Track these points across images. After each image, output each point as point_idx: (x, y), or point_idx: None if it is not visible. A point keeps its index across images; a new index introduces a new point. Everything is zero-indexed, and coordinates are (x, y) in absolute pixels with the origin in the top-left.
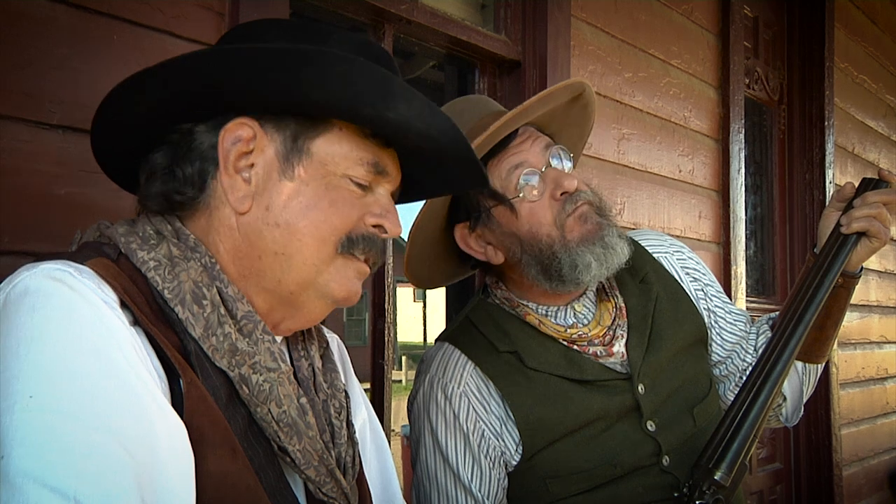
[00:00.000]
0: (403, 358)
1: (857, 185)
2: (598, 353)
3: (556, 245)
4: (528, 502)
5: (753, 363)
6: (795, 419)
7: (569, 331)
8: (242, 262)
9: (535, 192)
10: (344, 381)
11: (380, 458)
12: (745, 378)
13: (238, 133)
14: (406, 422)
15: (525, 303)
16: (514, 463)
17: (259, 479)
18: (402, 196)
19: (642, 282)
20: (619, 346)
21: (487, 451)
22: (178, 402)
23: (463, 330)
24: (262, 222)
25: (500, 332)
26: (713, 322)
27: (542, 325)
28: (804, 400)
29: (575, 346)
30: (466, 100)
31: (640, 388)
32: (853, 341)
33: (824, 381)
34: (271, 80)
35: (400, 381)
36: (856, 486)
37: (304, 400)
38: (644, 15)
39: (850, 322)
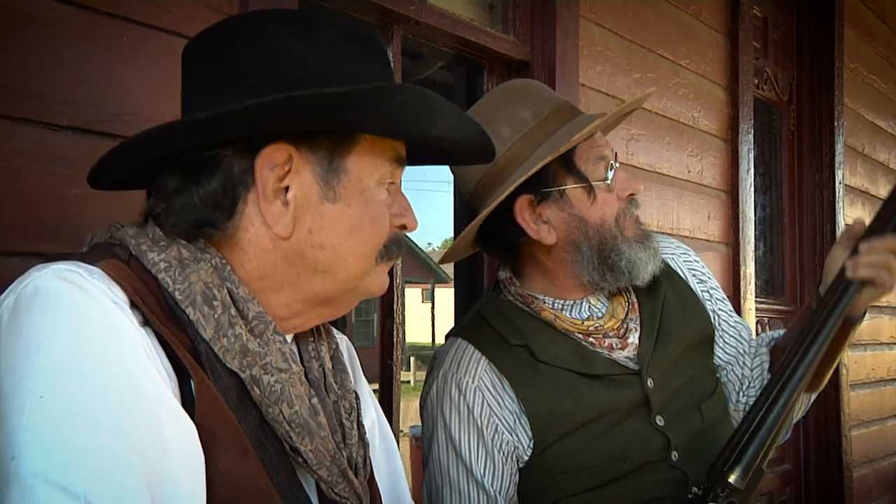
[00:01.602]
0: (412, 359)
1: (867, 223)
2: (614, 345)
3: (618, 239)
4: (538, 499)
5: (759, 374)
6: (781, 440)
7: (585, 323)
8: (275, 278)
9: (611, 185)
10: (353, 383)
11: (388, 459)
12: (759, 386)
13: (274, 158)
14: (415, 423)
15: (541, 298)
16: (526, 458)
17: (271, 479)
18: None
19: (653, 283)
20: (633, 338)
21: (501, 445)
22: (188, 403)
23: (474, 325)
24: (305, 245)
25: (512, 326)
26: (717, 324)
27: (558, 320)
28: (794, 421)
29: (590, 339)
30: (538, 84)
31: (649, 382)
32: (863, 342)
33: (834, 382)
34: (326, 119)
35: (408, 382)
36: (866, 488)
37: (315, 400)
38: (653, 15)
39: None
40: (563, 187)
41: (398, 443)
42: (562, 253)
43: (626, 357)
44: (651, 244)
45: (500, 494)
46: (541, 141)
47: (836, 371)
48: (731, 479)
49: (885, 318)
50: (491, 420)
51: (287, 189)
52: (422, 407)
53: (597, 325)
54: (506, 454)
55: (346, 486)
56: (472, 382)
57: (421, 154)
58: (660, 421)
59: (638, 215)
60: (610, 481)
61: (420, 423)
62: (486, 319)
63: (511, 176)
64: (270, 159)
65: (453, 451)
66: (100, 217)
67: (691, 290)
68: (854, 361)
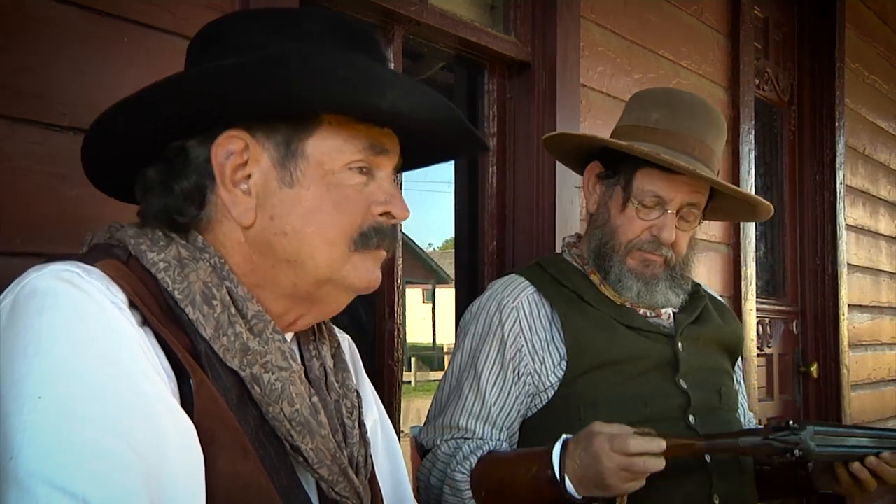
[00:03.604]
0: (413, 359)
1: None
2: (648, 313)
3: (616, 254)
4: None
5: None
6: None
7: (622, 297)
8: (256, 273)
9: (647, 215)
10: (355, 382)
11: (391, 459)
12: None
13: (229, 147)
14: (415, 423)
15: (592, 263)
16: (548, 384)
17: (271, 479)
18: (403, 166)
19: (694, 292)
20: (668, 312)
21: (518, 365)
22: (187, 403)
23: (530, 268)
24: (269, 232)
25: (564, 275)
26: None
27: (602, 286)
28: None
29: (627, 305)
30: (707, 113)
31: (679, 345)
32: (864, 343)
33: (835, 383)
34: (255, 91)
35: (409, 383)
36: None
37: (315, 399)
38: (654, 16)
39: (861, 324)
40: (617, 182)
41: (399, 443)
42: (591, 224)
43: (661, 322)
44: (643, 280)
45: (494, 406)
46: (638, 138)
47: (838, 372)
48: (810, 429)
49: (886, 318)
50: (517, 339)
51: (251, 177)
52: (459, 326)
53: (634, 300)
54: (519, 374)
55: (347, 485)
56: (512, 303)
57: (407, 149)
58: (683, 383)
59: (656, 261)
60: (630, 424)
61: (419, 424)
62: (542, 266)
63: (606, 137)
64: (225, 147)
65: (471, 359)
66: (101, 217)
67: (729, 309)
68: (855, 362)
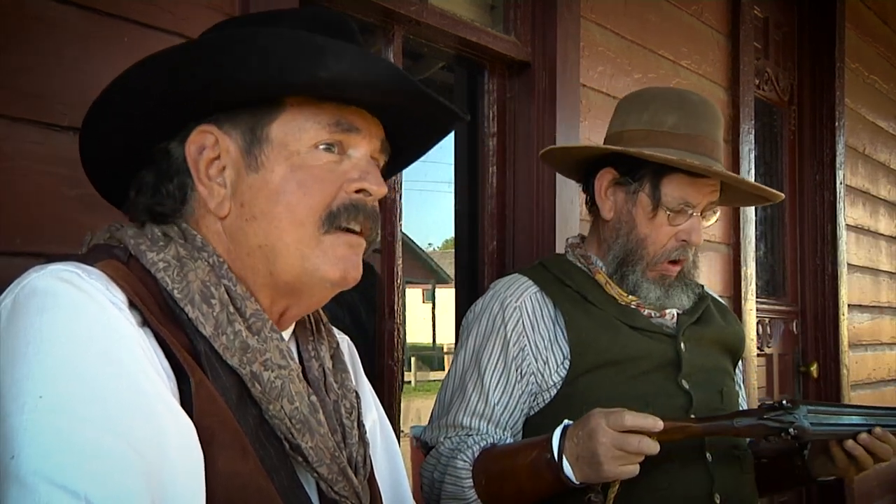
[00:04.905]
0: (413, 359)
1: None
2: (653, 314)
3: (642, 262)
4: None
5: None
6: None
7: (630, 297)
8: (237, 265)
9: (675, 220)
10: (354, 383)
11: (390, 459)
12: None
13: (201, 142)
14: (415, 423)
15: (599, 263)
16: (551, 383)
17: (271, 478)
18: (400, 160)
19: (698, 296)
20: (672, 313)
21: (521, 364)
22: (187, 403)
23: (533, 268)
24: (241, 220)
25: (567, 275)
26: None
27: (608, 286)
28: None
29: (632, 305)
30: (715, 114)
31: (682, 345)
32: (864, 342)
33: (835, 383)
34: (196, 76)
35: (409, 383)
36: (867, 489)
37: (314, 398)
38: (654, 16)
39: (861, 323)
40: (640, 189)
41: (399, 443)
42: (610, 231)
43: (665, 322)
44: (669, 293)
45: (498, 405)
46: (660, 143)
47: (838, 372)
48: (804, 408)
49: (886, 318)
50: (520, 339)
51: (225, 169)
52: (461, 326)
53: (639, 301)
54: (522, 373)
55: (346, 484)
56: (514, 302)
57: (395, 136)
58: (685, 384)
59: (674, 270)
60: None
61: (419, 424)
62: (545, 266)
63: (618, 144)
64: (197, 143)
65: (474, 358)
66: (101, 217)
67: (730, 310)
68: (855, 362)
